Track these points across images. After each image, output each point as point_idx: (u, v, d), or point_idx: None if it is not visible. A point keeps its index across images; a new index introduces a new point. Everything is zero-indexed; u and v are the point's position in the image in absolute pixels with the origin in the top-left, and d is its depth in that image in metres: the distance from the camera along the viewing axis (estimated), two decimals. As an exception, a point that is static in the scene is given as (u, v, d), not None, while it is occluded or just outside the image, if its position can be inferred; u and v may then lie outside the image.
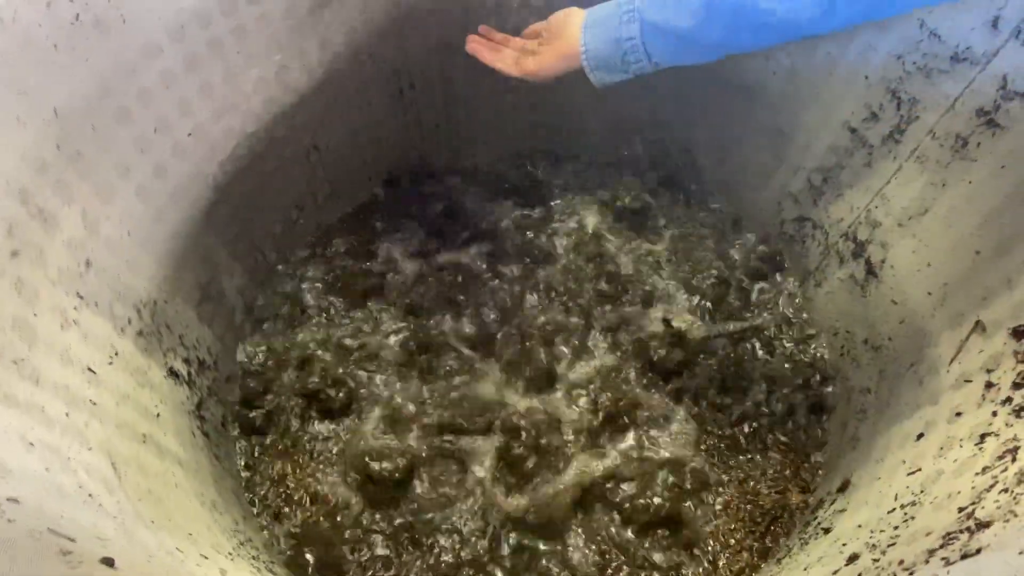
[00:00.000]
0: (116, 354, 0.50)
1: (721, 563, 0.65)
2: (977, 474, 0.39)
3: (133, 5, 0.55)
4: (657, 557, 0.65)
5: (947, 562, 0.31)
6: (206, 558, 0.41)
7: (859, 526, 0.49)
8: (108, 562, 0.27)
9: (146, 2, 0.56)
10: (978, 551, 0.29)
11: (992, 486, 0.35)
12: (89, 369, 0.45)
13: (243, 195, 0.76)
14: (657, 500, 0.67)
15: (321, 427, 0.74)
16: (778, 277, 0.90)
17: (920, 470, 0.48)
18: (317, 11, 0.74)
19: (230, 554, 0.47)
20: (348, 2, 0.77)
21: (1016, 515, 0.30)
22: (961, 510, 0.36)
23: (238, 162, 0.74)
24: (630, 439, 0.73)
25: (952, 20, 0.60)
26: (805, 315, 0.86)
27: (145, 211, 0.60)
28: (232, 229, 0.77)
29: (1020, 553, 0.26)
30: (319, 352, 0.80)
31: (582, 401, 0.76)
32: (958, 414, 0.48)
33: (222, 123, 0.69)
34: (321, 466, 0.71)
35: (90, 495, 0.34)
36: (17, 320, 0.38)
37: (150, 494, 0.43)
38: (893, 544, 0.40)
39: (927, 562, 0.33)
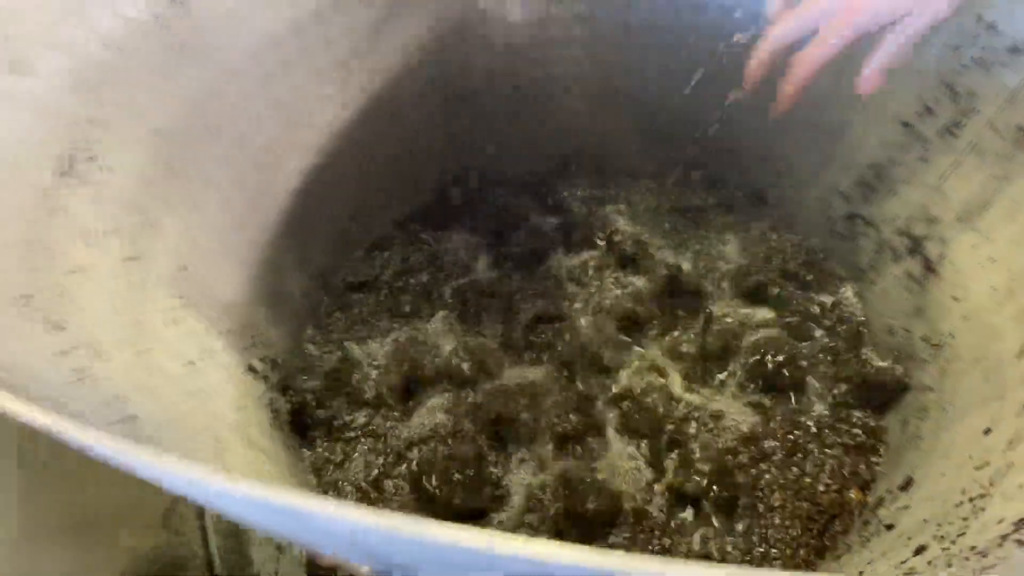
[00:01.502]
0: (209, 351, 0.55)
1: (777, 561, 0.65)
2: (1051, 465, 0.39)
3: (218, 33, 0.60)
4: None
5: (1020, 543, 0.31)
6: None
7: (925, 521, 0.49)
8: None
9: (229, 29, 0.61)
10: (1056, 533, 0.30)
11: (1068, 475, 0.35)
12: (190, 363, 0.49)
13: (305, 205, 0.81)
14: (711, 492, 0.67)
15: (374, 427, 0.78)
16: (828, 275, 0.89)
17: (988, 464, 0.47)
18: (376, 33, 0.78)
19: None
20: (404, 25, 0.81)
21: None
22: (1035, 499, 0.36)
23: (302, 174, 0.79)
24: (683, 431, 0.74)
25: (1010, 11, 0.59)
26: (859, 313, 0.85)
27: (228, 221, 0.65)
28: (295, 237, 0.82)
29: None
30: (372, 356, 0.84)
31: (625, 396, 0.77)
32: (1028, 408, 0.48)
33: (291, 138, 0.74)
34: (378, 467, 0.74)
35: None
36: (135, 318, 0.43)
37: (244, 478, 0.47)
38: (963, 534, 0.40)
39: (1000, 546, 0.33)
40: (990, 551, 0.33)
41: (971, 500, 0.45)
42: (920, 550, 0.43)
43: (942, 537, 0.43)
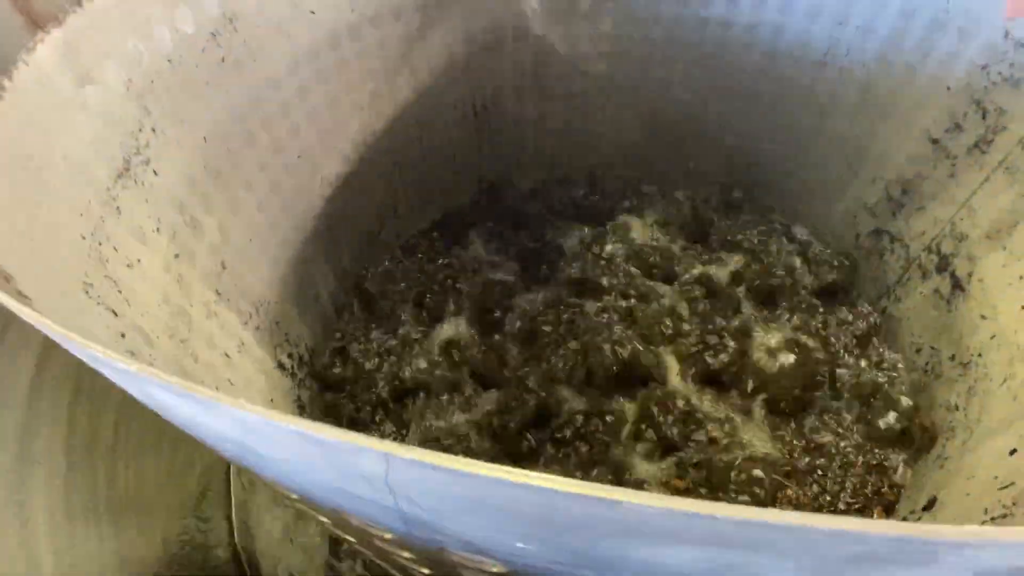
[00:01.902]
0: (242, 344, 0.58)
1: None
2: (1076, 485, 0.38)
3: (263, 46, 0.64)
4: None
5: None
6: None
7: (946, 540, 0.48)
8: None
9: (272, 44, 0.65)
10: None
11: (1092, 494, 0.35)
12: (226, 354, 0.52)
13: (335, 209, 0.84)
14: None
15: (392, 427, 0.80)
16: (855, 292, 0.88)
17: (1014, 484, 0.46)
18: (407, 46, 0.82)
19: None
20: (435, 40, 0.84)
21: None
22: (1058, 517, 0.35)
23: (334, 179, 0.82)
24: (700, 454, 0.74)
25: (1042, 28, 0.59)
26: (886, 330, 0.84)
27: (263, 222, 0.68)
28: (325, 239, 0.85)
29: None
30: (396, 357, 0.86)
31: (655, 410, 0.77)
32: (1056, 428, 0.47)
33: (324, 144, 0.78)
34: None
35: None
36: (180, 308, 0.46)
37: (273, 464, 0.49)
38: (984, 552, 0.39)
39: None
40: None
41: (992, 519, 0.44)
42: (939, 568, 0.43)
43: (962, 555, 0.42)
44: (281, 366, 0.69)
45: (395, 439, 0.77)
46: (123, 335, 0.34)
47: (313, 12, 0.69)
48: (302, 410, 0.71)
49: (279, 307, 0.71)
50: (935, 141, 0.73)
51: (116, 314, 0.35)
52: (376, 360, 0.86)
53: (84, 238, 0.36)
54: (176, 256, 0.48)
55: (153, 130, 0.49)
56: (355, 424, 0.78)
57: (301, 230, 0.78)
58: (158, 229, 0.46)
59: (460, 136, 1.00)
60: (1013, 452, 0.51)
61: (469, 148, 1.03)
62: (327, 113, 0.77)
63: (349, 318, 0.92)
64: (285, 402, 0.66)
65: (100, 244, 0.37)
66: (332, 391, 0.82)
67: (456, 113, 0.97)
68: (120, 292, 0.36)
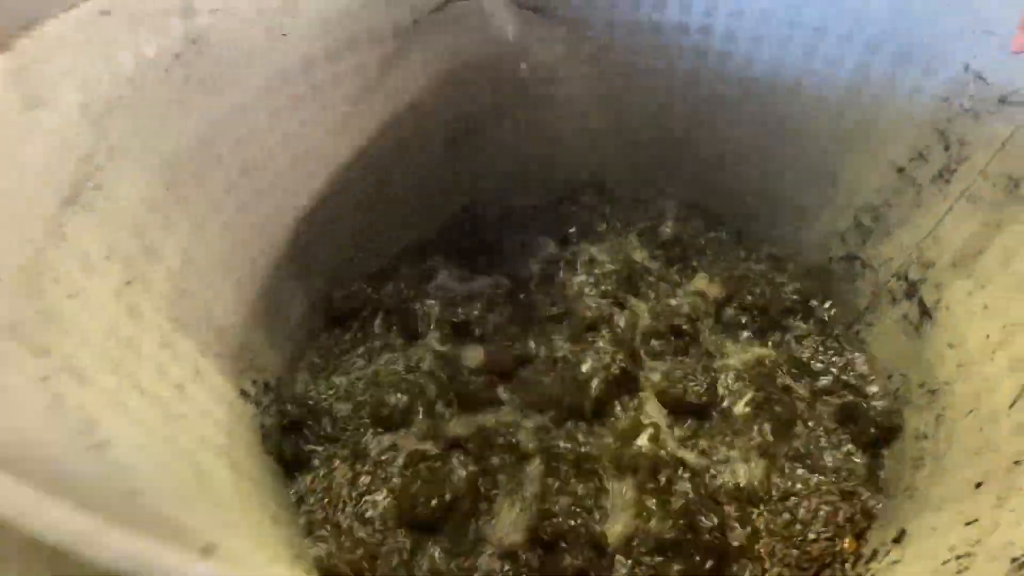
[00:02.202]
0: (199, 373, 0.56)
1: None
2: (1035, 524, 0.37)
3: (232, 68, 0.64)
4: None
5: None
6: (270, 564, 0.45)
7: (913, 577, 0.47)
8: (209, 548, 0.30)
9: (242, 65, 0.65)
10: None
11: (1049, 535, 0.34)
12: (179, 385, 0.51)
13: (310, 233, 0.84)
14: (704, 538, 0.66)
15: (368, 454, 0.78)
16: (827, 317, 0.88)
17: (977, 520, 0.46)
18: (384, 71, 0.82)
19: (289, 568, 0.50)
20: (414, 63, 0.85)
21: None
22: (1014, 560, 0.35)
23: (307, 203, 0.82)
24: (674, 477, 0.73)
25: (998, 63, 0.60)
26: (857, 356, 0.84)
27: (229, 245, 0.67)
28: (298, 262, 0.84)
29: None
30: (369, 383, 0.85)
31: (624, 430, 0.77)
32: (1017, 462, 0.47)
33: (297, 168, 0.77)
34: (364, 495, 0.74)
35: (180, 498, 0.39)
36: (129, 340, 0.45)
37: (224, 503, 0.47)
38: (945, 594, 0.39)
39: (976, 609, 0.32)
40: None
41: (957, 559, 0.43)
42: (903, 609, 0.42)
43: (926, 597, 0.41)
44: (244, 394, 0.67)
45: (356, 466, 0.75)
46: (45, 379, 0.32)
47: (286, 35, 0.69)
48: (265, 438, 0.69)
49: (245, 332, 0.70)
50: (901, 170, 0.74)
51: (47, 353, 0.33)
52: (346, 385, 0.84)
53: (15, 274, 0.34)
54: (128, 283, 0.47)
55: (109, 153, 0.48)
56: (317, 458, 0.76)
57: (272, 253, 0.77)
58: (109, 256, 0.45)
59: (438, 160, 1.00)
60: (979, 486, 0.51)
61: (447, 172, 1.03)
62: (301, 137, 0.76)
63: (320, 343, 0.90)
64: (247, 432, 0.64)
65: (37, 278, 0.36)
66: (297, 417, 0.80)
67: (436, 138, 0.98)
68: (53, 329, 0.35)
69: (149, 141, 0.53)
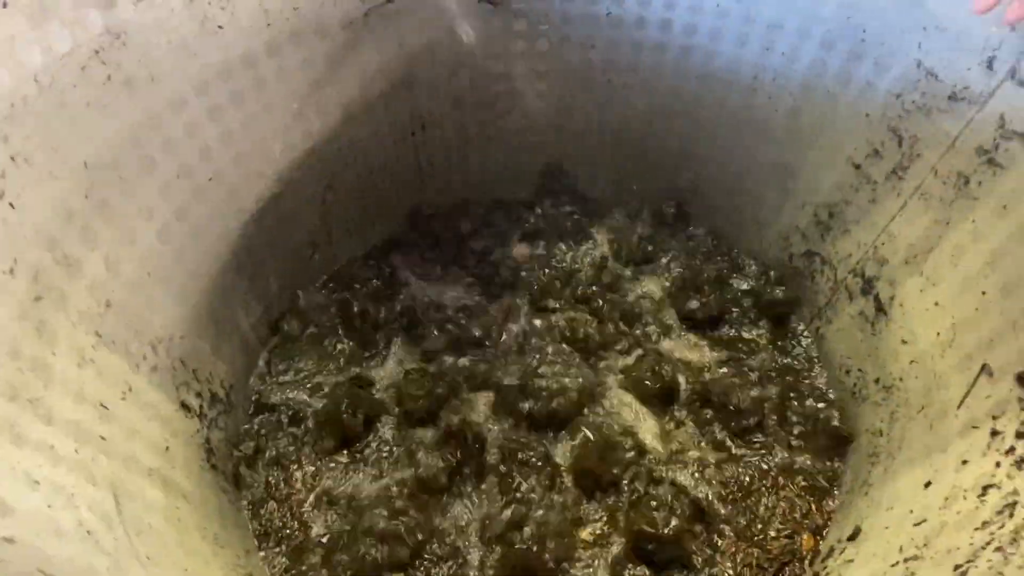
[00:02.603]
0: (129, 390, 0.53)
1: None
2: (977, 529, 0.37)
3: (162, 64, 0.60)
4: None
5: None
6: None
7: (864, 579, 0.47)
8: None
9: (174, 60, 0.61)
10: (963, 614, 0.28)
11: (988, 543, 0.34)
12: (102, 405, 0.47)
13: (260, 235, 0.80)
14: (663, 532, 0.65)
15: (328, 462, 0.75)
16: (788, 312, 0.89)
17: (926, 520, 0.46)
18: (334, 65, 0.78)
19: (226, 589, 0.48)
20: (364, 58, 0.81)
21: (1004, 577, 0.29)
22: (957, 568, 0.35)
23: (255, 204, 0.78)
24: (632, 472, 0.72)
25: (948, 60, 0.60)
26: (816, 352, 0.84)
27: (166, 252, 0.63)
28: (249, 267, 0.80)
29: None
30: (329, 387, 0.82)
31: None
32: (964, 462, 0.47)
33: (241, 168, 0.73)
34: (325, 501, 0.72)
35: (88, 532, 0.36)
36: (36, 361, 0.41)
37: (151, 528, 0.44)
38: (891, 601, 0.38)
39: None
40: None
41: (906, 561, 0.43)
42: (851, 615, 0.42)
43: (873, 602, 0.41)
44: (185, 407, 0.64)
45: (308, 478, 0.73)
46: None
47: (221, 27, 0.65)
48: (210, 453, 0.66)
49: (186, 343, 0.66)
50: (857, 167, 0.74)
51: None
52: (303, 394, 0.82)
53: None
54: (37, 299, 0.44)
55: (13, 160, 0.44)
56: (271, 470, 0.74)
57: (217, 259, 0.74)
58: (12, 271, 0.42)
59: (397, 157, 0.97)
60: (928, 485, 0.51)
61: (407, 170, 1.00)
62: (244, 135, 0.72)
63: (277, 349, 0.87)
64: (187, 448, 0.61)
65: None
66: (252, 429, 0.77)
67: (392, 134, 0.94)
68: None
69: (62, 146, 0.49)
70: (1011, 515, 0.35)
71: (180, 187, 0.65)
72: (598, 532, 0.69)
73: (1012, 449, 0.41)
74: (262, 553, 0.67)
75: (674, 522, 0.65)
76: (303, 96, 0.78)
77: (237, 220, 0.76)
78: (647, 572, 0.65)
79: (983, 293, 0.55)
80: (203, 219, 0.70)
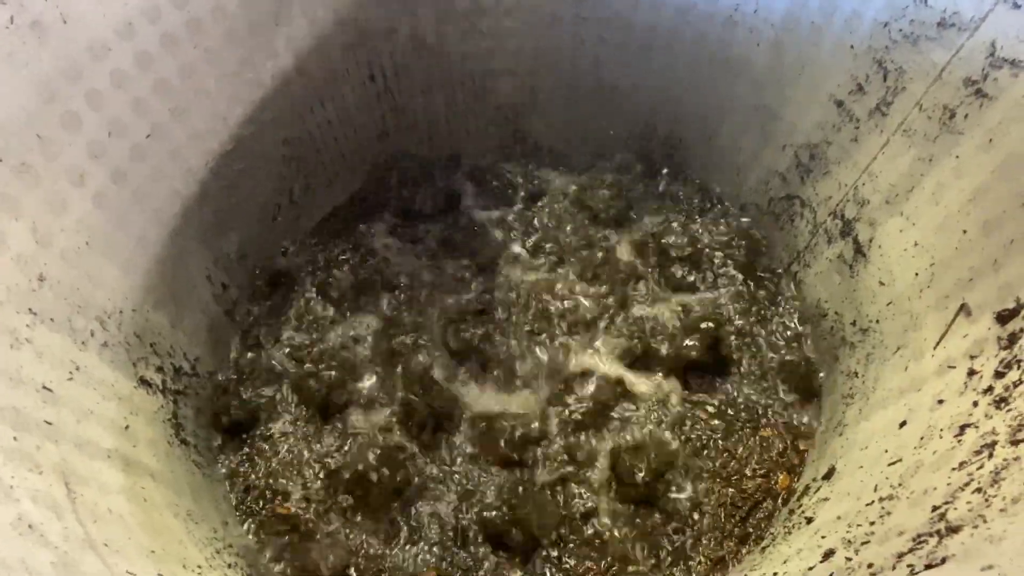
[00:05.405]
0: (77, 369, 0.49)
1: (701, 547, 0.65)
2: (954, 469, 0.37)
3: (75, 4, 0.52)
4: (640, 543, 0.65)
5: (912, 571, 0.30)
6: None
7: (838, 518, 0.48)
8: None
9: (93, 2, 0.53)
10: (943, 560, 0.28)
11: (967, 484, 0.34)
12: (45, 388, 0.44)
13: (214, 196, 0.74)
14: (639, 476, 0.66)
15: (304, 428, 0.74)
16: (767, 256, 0.88)
17: (900, 460, 0.46)
18: (278, 4, 0.71)
19: (199, 567, 0.46)
20: (308, -9, 0.73)
21: (985, 520, 0.29)
22: (935, 509, 0.35)
23: (205, 163, 0.72)
24: (614, 414, 0.72)
25: (939, -17, 0.56)
26: (795, 295, 0.84)
27: (105, 219, 0.58)
28: (205, 231, 0.75)
29: (982, 569, 0.25)
30: (301, 353, 0.79)
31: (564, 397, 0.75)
32: (940, 402, 0.47)
33: (183, 123, 0.67)
34: (303, 468, 0.71)
35: (30, 526, 0.34)
36: (-43, 346, 0.37)
37: (110, 513, 0.42)
38: (867, 542, 0.39)
39: (894, 568, 0.32)
40: (883, 573, 0.32)
41: (880, 500, 0.44)
42: (828, 555, 0.42)
43: (849, 542, 0.42)
44: (146, 383, 0.61)
45: (294, 445, 0.71)
46: None
47: (143, -40, 0.57)
48: (179, 428, 0.63)
49: (139, 316, 0.62)
50: (840, 104, 0.71)
51: None
52: (276, 362, 0.79)
53: None
54: (-48, 279, 0.39)
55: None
56: (247, 437, 0.72)
57: (166, 225, 0.68)
58: (-85, 249, 0.37)
59: (360, 108, 0.90)
60: (903, 425, 0.51)
61: (372, 122, 0.93)
62: (181, 85, 0.65)
63: (242, 315, 0.83)
64: (151, 425, 0.58)
65: None
66: (223, 400, 0.74)
67: (352, 81, 0.87)
68: None
69: (-39, 100, 0.43)
70: (990, 455, 0.35)
71: (113, 146, 0.59)
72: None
73: (990, 388, 0.41)
74: (242, 525, 0.66)
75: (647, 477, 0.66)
76: (246, 39, 0.70)
77: (184, 182, 0.70)
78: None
79: (964, 231, 0.54)
80: (144, 181, 0.64)
